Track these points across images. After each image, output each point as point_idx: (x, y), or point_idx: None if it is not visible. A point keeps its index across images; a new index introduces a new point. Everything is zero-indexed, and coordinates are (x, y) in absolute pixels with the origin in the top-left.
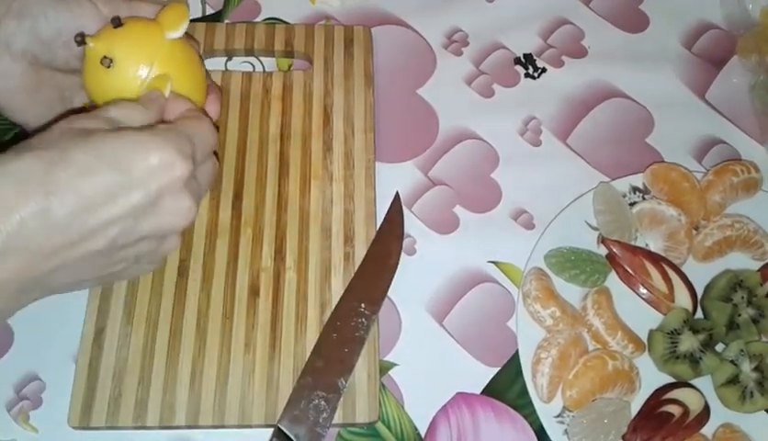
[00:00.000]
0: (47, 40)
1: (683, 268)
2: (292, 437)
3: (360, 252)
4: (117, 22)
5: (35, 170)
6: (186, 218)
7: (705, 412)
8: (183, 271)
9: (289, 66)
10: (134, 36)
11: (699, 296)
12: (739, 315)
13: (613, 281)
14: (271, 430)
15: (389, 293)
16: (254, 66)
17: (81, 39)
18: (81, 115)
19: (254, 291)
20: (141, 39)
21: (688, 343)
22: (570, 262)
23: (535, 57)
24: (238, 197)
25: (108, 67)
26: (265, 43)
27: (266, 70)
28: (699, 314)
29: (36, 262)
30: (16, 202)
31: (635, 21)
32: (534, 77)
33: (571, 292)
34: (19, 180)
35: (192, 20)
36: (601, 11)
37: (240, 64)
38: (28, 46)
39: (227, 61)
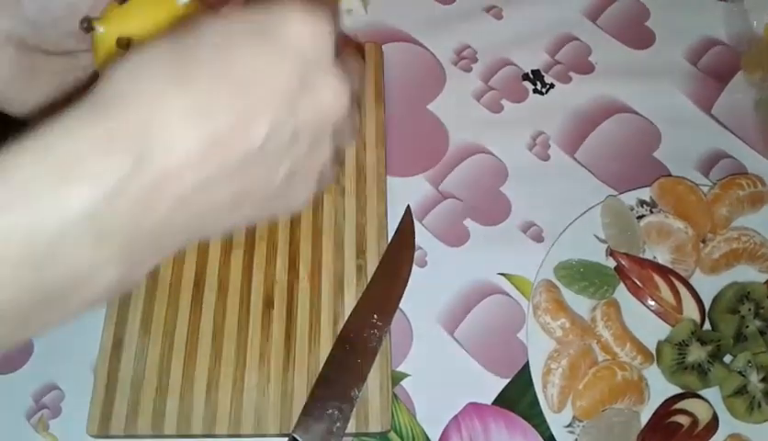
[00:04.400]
0: (32, 20)
1: (691, 281)
2: None
3: (372, 264)
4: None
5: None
6: (342, 100)
7: (714, 423)
8: (199, 283)
9: None
10: (146, 7)
11: (707, 308)
12: (747, 327)
13: (621, 293)
14: (286, 439)
15: (401, 305)
16: None
17: (88, 25)
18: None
19: (268, 303)
20: (155, 10)
21: (696, 354)
22: (580, 274)
23: (542, 73)
24: None
25: (127, 49)
26: None
27: None
28: (707, 326)
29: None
30: None
31: (641, 37)
32: (542, 93)
33: (581, 304)
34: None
35: None
36: (607, 28)
37: None
38: (12, 29)
39: None
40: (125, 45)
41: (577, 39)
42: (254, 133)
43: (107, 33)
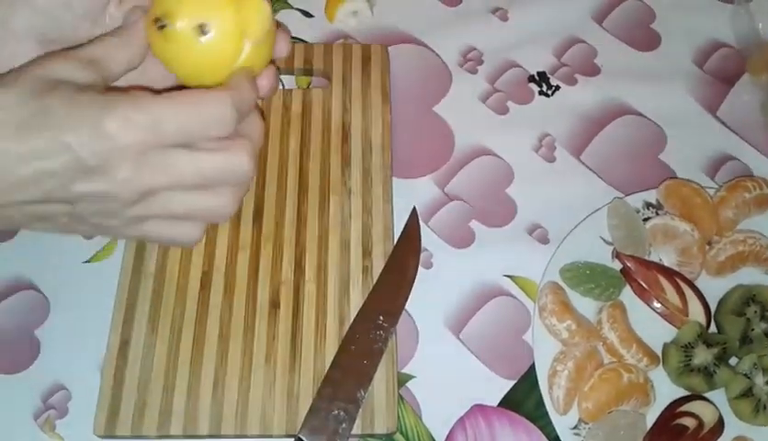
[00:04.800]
0: (48, 10)
1: (697, 283)
2: None
3: (378, 265)
4: None
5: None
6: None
7: (720, 425)
8: (205, 283)
9: (308, 84)
10: None
11: (713, 310)
12: (752, 329)
13: (627, 295)
14: (292, 440)
15: (407, 306)
16: None
17: (161, 24)
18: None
19: (274, 304)
20: None
21: (702, 356)
22: (586, 276)
23: (548, 75)
24: (258, 212)
25: (206, 34)
26: (284, 62)
27: (286, 87)
28: (713, 328)
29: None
30: None
31: (647, 40)
32: (548, 95)
33: (587, 306)
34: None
35: None
36: (613, 30)
37: None
38: (30, 23)
39: None
40: (205, 31)
41: (583, 41)
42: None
43: (186, 25)
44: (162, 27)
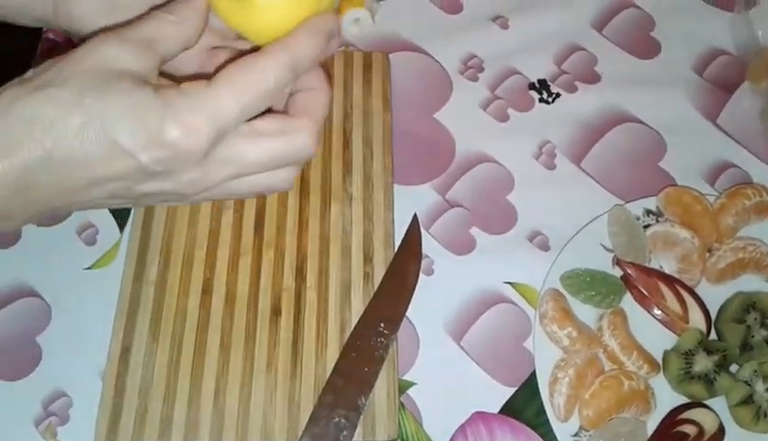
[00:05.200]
0: None
1: (697, 290)
2: None
3: (379, 272)
4: None
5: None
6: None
7: (720, 433)
8: (207, 290)
9: None
10: None
11: (713, 317)
12: (753, 336)
13: (628, 302)
14: None
15: (408, 313)
16: None
17: None
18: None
19: (275, 311)
20: None
21: (703, 363)
22: (586, 283)
23: (549, 82)
24: (260, 219)
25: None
26: None
27: None
28: (713, 335)
29: None
30: None
31: (647, 47)
32: (548, 102)
33: (587, 313)
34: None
35: None
36: (613, 37)
37: None
38: None
39: None
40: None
41: (583, 48)
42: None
43: None
44: None
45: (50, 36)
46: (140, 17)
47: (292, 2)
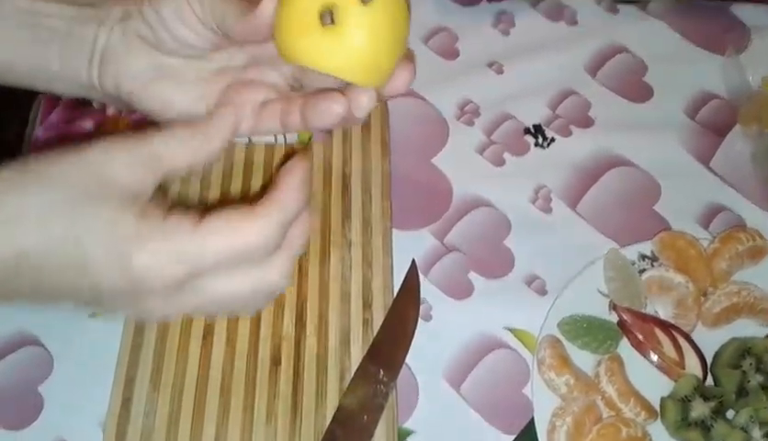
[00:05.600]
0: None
1: (693, 335)
2: None
3: (378, 318)
4: None
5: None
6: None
7: None
8: (207, 339)
9: (310, 137)
10: None
11: (709, 362)
12: (749, 382)
13: (625, 348)
14: None
15: (407, 359)
16: (276, 138)
17: (329, 18)
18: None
19: (275, 360)
20: None
21: (699, 410)
22: (583, 329)
23: (543, 127)
24: None
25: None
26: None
27: (288, 142)
28: (710, 381)
29: None
30: None
31: (639, 92)
32: (543, 147)
33: (585, 359)
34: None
35: None
36: (606, 82)
37: (263, 137)
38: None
39: None
40: (329, 21)
41: (577, 93)
42: None
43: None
44: (330, 20)
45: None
46: (156, 132)
47: (381, 24)
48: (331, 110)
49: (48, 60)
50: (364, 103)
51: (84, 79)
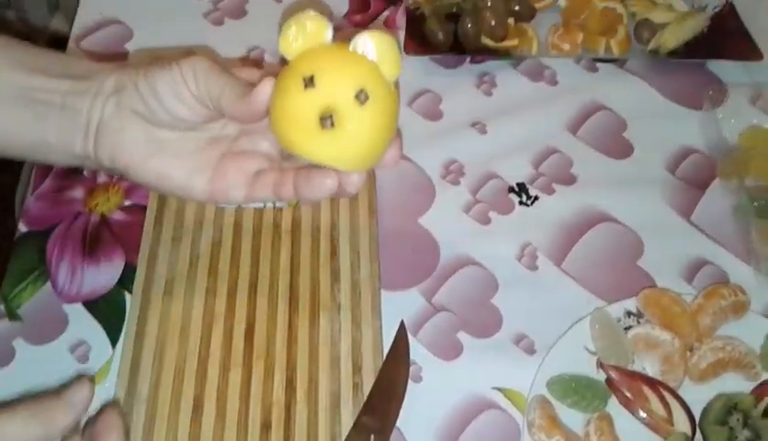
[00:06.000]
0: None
1: (680, 390)
2: None
3: (368, 381)
4: (309, 84)
5: None
6: None
7: None
8: (197, 406)
9: (298, 201)
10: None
11: (697, 418)
12: (736, 438)
13: (613, 406)
14: None
15: (397, 422)
16: (264, 203)
17: (329, 121)
18: None
19: (266, 425)
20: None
21: None
22: (572, 389)
23: (527, 185)
24: (250, 329)
25: (367, 98)
26: None
27: (277, 206)
28: (698, 437)
29: None
30: None
31: (620, 148)
32: (527, 204)
33: (574, 418)
34: None
35: None
36: (587, 140)
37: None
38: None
39: None
40: (329, 125)
41: (559, 151)
42: None
43: (347, 99)
44: (330, 124)
45: None
46: None
47: (377, 120)
48: (323, 185)
49: (45, 134)
50: (355, 180)
51: (78, 150)
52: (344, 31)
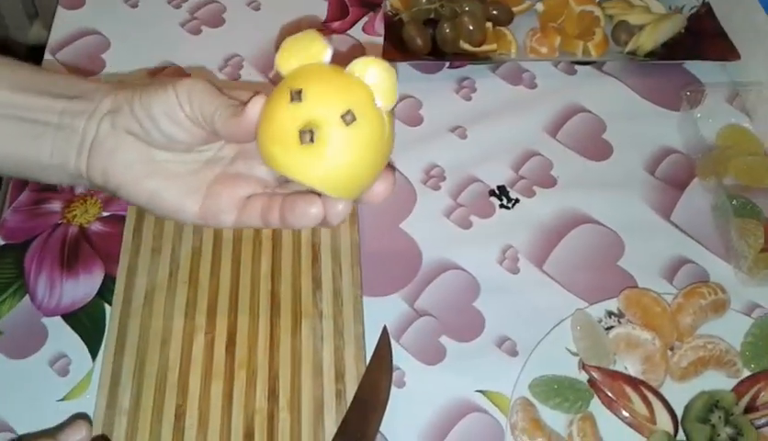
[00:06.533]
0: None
1: (662, 389)
2: None
3: (351, 388)
4: (296, 97)
5: None
6: None
7: None
8: (180, 417)
9: None
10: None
11: (680, 416)
12: (718, 435)
13: (596, 406)
14: None
15: (381, 428)
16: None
17: (310, 136)
18: None
19: (248, 434)
20: (344, 94)
21: None
22: (554, 390)
23: (508, 188)
24: (231, 339)
25: (354, 119)
26: None
27: None
28: (681, 435)
29: None
30: None
31: (599, 150)
32: (508, 208)
33: (557, 419)
34: None
35: None
36: (567, 142)
37: None
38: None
39: None
40: (308, 139)
41: (539, 154)
42: None
43: (333, 118)
44: (310, 138)
45: None
46: None
47: (362, 145)
48: (307, 213)
49: (39, 153)
50: (339, 210)
51: (71, 169)
52: (345, 54)
